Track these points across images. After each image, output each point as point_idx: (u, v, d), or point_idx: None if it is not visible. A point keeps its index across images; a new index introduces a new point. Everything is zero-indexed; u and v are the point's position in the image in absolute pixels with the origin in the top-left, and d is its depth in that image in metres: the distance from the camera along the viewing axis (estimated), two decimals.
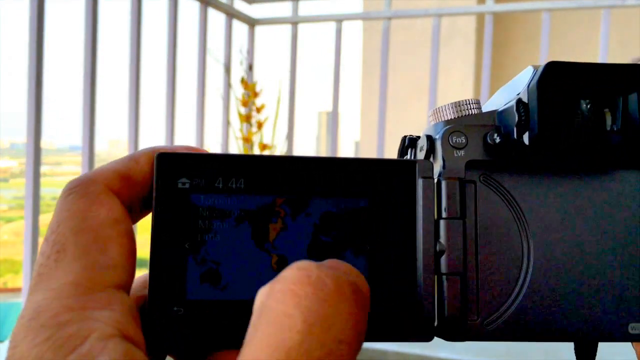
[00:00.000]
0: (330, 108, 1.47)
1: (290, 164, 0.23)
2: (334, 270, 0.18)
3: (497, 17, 1.50)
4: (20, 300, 1.00)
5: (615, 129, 0.24)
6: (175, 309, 0.22)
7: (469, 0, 1.95)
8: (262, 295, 0.18)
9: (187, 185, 0.22)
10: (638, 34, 1.74)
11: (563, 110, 0.23)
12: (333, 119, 1.51)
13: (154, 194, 0.22)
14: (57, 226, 0.20)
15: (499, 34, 1.88)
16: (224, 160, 0.23)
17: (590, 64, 0.24)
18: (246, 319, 0.18)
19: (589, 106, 0.24)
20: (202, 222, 0.22)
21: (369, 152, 2.01)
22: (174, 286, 0.22)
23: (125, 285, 0.20)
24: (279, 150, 1.43)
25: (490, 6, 1.33)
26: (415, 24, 1.91)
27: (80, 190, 0.21)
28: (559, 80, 0.23)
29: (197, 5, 1.32)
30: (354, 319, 0.18)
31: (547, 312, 0.24)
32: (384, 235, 0.23)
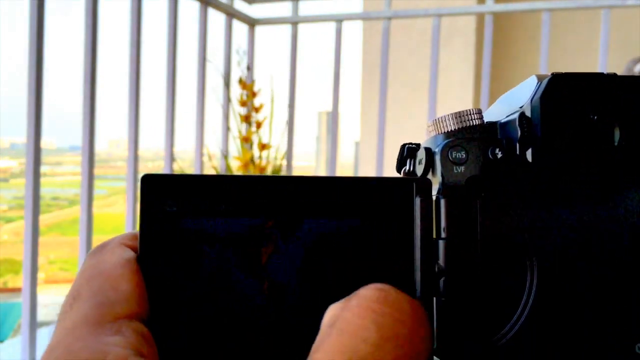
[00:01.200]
0: (330, 108, 1.47)
1: (281, 184, 0.22)
2: (406, 294, 0.19)
3: (497, 17, 1.50)
4: (20, 300, 1.00)
5: (624, 144, 0.23)
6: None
7: (468, 0, 1.95)
8: (336, 309, 0.19)
9: (174, 209, 0.21)
10: (638, 34, 1.74)
11: (568, 126, 0.22)
12: (333, 119, 1.51)
13: (139, 218, 0.21)
14: (76, 280, 0.21)
15: (499, 33, 1.87)
16: (212, 182, 0.22)
17: (598, 75, 0.23)
18: (238, 342, 0.18)
19: (596, 121, 0.23)
20: (190, 246, 0.21)
21: (369, 152, 2.01)
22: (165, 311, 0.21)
23: (137, 314, 0.20)
24: (279, 150, 1.43)
25: (490, 6, 1.33)
26: (415, 24, 1.91)
27: (97, 249, 0.22)
28: (564, 94, 0.22)
29: (197, 5, 1.32)
30: (424, 344, 0.18)
31: (550, 335, 0.23)
32: (380, 257, 0.22)
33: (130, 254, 0.22)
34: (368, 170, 2.02)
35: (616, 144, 0.23)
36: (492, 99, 1.32)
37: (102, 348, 0.18)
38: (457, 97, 1.89)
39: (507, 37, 1.97)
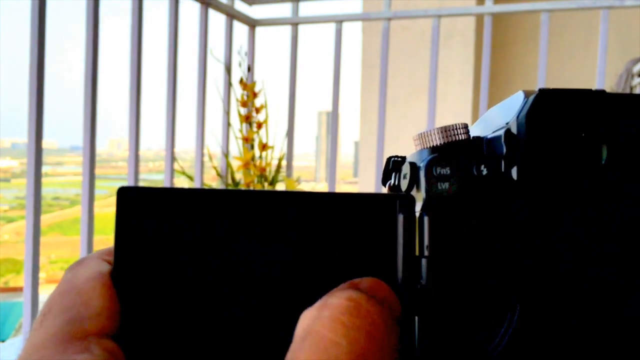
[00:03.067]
0: (330, 108, 1.48)
1: (261, 198, 0.22)
2: (378, 303, 0.19)
3: (496, 17, 1.50)
4: (21, 299, 1.01)
5: (611, 162, 0.22)
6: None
7: (468, 1, 1.95)
8: (308, 319, 0.19)
9: (150, 222, 0.21)
10: (637, 34, 1.74)
11: (554, 144, 0.22)
12: (333, 119, 1.51)
13: (114, 230, 0.21)
14: (50, 295, 0.21)
15: (498, 34, 1.88)
16: (189, 195, 0.21)
17: (587, 92, 0.22)
18: (213, 357, 0.18)
19: (583, 138, 0.22)
20: (165, 259, 0.21)
21: (369, 152, 2.01)
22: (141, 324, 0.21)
23: (108, 330, 0.20)
24: (279, 150, 1.44)
25: (489, 7, 1.34)
26: (414, 24, 1.91)
27: (75, 264, 0.22)
28: (551, 111, 0.22)
29: (197, 6, 1.33)
30: (393, 355, 0.18)
31: (537, 352, 0.22)
32: (362, 274, 0.22)
33: (105, 267, 0.21)
34: (368, 170, 2.02)
35: (603, 162, 0.22)
36: (491, 99, 1.32)
37: None
38: (457, 98, 1.90)
39: (507, 37, 1.97)
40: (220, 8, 1.38)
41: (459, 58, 1.88)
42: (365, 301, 0.19)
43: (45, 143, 0.95)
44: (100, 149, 1.06)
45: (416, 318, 0.22)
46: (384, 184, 0.27)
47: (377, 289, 0.20)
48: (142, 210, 0.21)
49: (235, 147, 1.40)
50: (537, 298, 0.22)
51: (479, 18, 1.82)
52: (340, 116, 1.55)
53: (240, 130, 1.38)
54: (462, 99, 1.90)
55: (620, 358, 0.22)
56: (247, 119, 1.38)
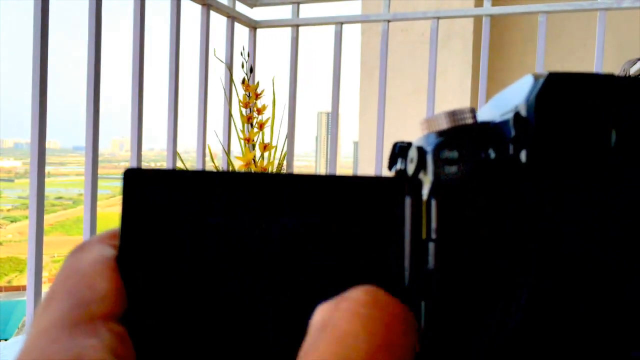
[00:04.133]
0: (330, 108, 1.49)
1: (268, 181, 0.21)
2: (396, 299, 0.19)
3: (494, 19, 1.51)
4: (24, 298, 1.02)
5: (620, 146, 0.22)
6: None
7: (466, 3, 1.96)
8: (324, 311, 0.18)
9: (157, 204, 0.21)
10: (634, 36, 1.75)
11: (564, 129, 0.22)
12: (333, 119, 1.52)
13: (120, 213, 0.20)
14: (54, 281, 0.21)
15: (496, 36, 1.89)
16: (197, 178, 0.21)
17: (595, 75, 0.22)
18: (220, 342, 0.19)
19: (592, 122, 0.22)
20: (172, 243, 0.21)
21: (368, 152, 2.03)
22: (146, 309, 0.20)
23: (115, 314, 0.20)
24: (278, 149, 1.45)
25: (487, 9, 1.35)
26: (413, 26, 1.93)
27: (76, 249, 0.22)
28: (561, 94, 0.22)
29: (199, 8, 1.34)
30: (411, 348, 0.18)
31: (544, 342, 0.22)
32: (368, 258, 0.21)
33: (109, 251, 0.21)
34: (367, 169, 2.03)
35: (612, 145, 0.22)
36: (490, 99, 1.33)
37: (77, 350, 0.17)
38: (455, 99, 1.91)
39: (505, 39, 1.98)
40: (221, 10, 1.40)
41: (457, 59, 1.89)
42: (383, 294, 0.18)
43: (49, 143, 0.96)
44: (102, 149, 1.07)
45: (422, 303, 0.22)
46: (389, 168, 0.27)
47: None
48: (149, 192, 0.21)
49: (237, 147, 1.41)
50: (544, 280, 0.22)
51: (477, 19, 1.83)
52: (340, 116, 1.56)
53: (242, 131, 1.39)
54: (460, 100, 1.91)
55: (625, 340, 0.22)
56: (248, 120, 1.39)
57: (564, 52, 1.90)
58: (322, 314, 0.18)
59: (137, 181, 0.21)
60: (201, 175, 0.21)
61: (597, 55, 1.26)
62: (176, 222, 0.21)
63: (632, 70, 1.57)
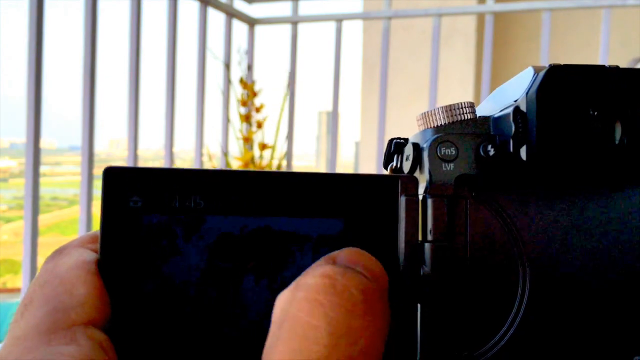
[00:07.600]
0: (330, 108, 1.47)
1: (259, 179, 0.20)
2: (357, 275, 0.17)
3: (498, 16, 1.50)
4: (19, 300, 1.00)
5: (625, 142, 0.21)
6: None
7: (469, 0, 1.95)
8: (283, 302, 0.17)
9: (139, 204, 0.20)
10: (639, 34, 1.74)
11: (566, 123, 0.21)
12: (333, 119, 1.50)
13: (101, 214, 0.20)
14: (30, 286, 0.20)
15: (499, 33, 1.87)
16: (181, 176, 0.20)
17: (599, 67, 0.21)
18: (204, 347, 0.18)
19: (597, 117, 0.21)
20: (155, 244, 0.20)
21: (369, 152, 2.01)
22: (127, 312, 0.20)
23: (95, 320, 0.19)
24: (280, 150, 1.43)
25: (490, 6, 1.33)
26: (415, 23, 1.91)
27: (54, 253, 0.21)
28: (563, 87, 0.21)
29: (196, 4, 1.32)
30: (379, 330, 0.17)
31: (542, 347, 0.21)
32: None
33: (89, 255, 0.20)
34: (368, 169, 2.02)
35: (617, 141, 0.21)
36: None
37: (55, 358, 0.17)
38: (458, 97, 1.89)
39: (508, 36, 1.97)
40: (219, 6, 1.38)
41: (459, 57, 1.88)
42: (341, 276, 0.17)
43: (44, 143, 0.94)
44: (98, 148, 1.05)
45: (418, 306, 0.21)
46: (385, 166, 0.26)
47: (356, 259, 0.18)
48: (130, 191, 0.20)
49: (235, 147, 1.39)
50: (543, 282, 0.22)
51: (480, 17, 1.82)
52: (340, 116, 1.55)
53: (240, 130, 1.37)
54: (462, 99, 1.89)
55: (626, 343, 0.22)
56: (247, 119, 1.37)
57: (568, 50, 1.89)
58: (281, 304, 0.18)
59: (117, 181, 0.20)
60: (184, 174, 0.20)
61: (602, 53, 1.25)
62: (158, 223, 0.20)
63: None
